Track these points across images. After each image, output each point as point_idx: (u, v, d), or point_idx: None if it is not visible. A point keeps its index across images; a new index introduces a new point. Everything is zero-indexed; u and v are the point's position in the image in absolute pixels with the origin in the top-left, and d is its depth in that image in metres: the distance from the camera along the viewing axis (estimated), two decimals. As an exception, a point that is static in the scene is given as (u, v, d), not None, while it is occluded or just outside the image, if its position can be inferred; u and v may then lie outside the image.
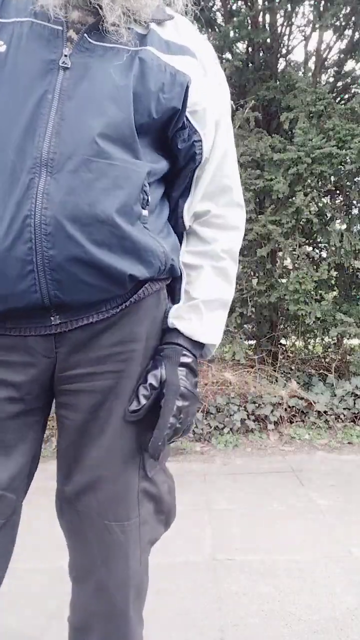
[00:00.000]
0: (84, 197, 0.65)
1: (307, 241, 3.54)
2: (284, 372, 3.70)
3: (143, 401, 0.73)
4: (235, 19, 3.45)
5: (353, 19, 3.71)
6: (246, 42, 3.81)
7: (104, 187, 0.66)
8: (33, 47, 0.68)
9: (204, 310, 0.80)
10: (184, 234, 0.85)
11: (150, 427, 0.74)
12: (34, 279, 0.65)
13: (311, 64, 3.97)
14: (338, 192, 3.81)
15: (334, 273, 3.76)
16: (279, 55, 4.04)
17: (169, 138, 0.76)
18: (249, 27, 3.62)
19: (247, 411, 3.18)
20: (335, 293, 3.84)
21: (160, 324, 0.79)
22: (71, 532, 0.80)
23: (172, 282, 0.83)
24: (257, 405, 3.21)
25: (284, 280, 3.56)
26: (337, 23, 3.75)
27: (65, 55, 0.67)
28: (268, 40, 3.75)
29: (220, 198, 0.83)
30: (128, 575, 0.77)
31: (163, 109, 0.72)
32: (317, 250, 3.95)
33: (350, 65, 4.10)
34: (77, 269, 0.66)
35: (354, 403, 3.28)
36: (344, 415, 3.26)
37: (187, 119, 0.75)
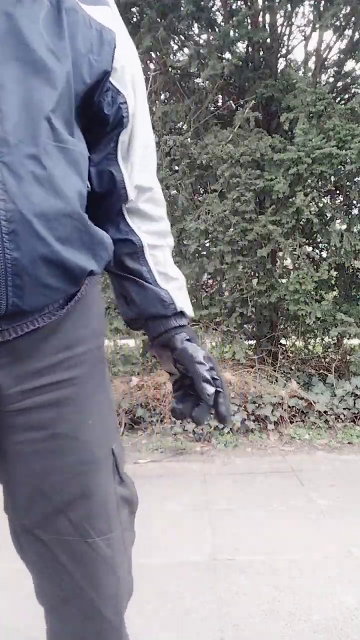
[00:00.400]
0: (48, 188, 0.56)
1: (307, 241, 3.54)
2: (284, 372, 3.70)
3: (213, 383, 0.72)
4: (234, 18, 3.45)
5: (353, 19, 3.71)
6: (246, 41, 3.81)
7: (63, 176, 0.58)
8: None
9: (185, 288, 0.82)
10: (123, 208, 0.77)
11: (112, 427, 0.74)
12: None
13: (311, 64, 3.97)
14: (338, 192, 3.80)
15: (334, 273, 3.76)
16: (278, 55, 4.04)
17: (95, 105, 0.67)
18: (249, 27, 3.62)
19: (247, 411, 3.18)
20: (335, 293, 3.84)
21: (102, 317, 0.76)
22: (38, 564, 0.71)
23: (133, 264, 0.78)
24: (257, 405, 3.21)
25: (284, 281, 3.56)
26: (337, 23, 3.75)
27: None
28: (268, 40, 3.75)
29: (151, 168, 0.78)
30: (118, 586, 0.73)
31: (95, 73, 0.62)
32: (317, 251, 3.95)
33: (350, 65, 4.10)
34: (41, 271, 0.58)
35: (354, 403, 3.28)
36: (344, 415, 3.26)
37: (109, 81, 0.67)
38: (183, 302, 0.79)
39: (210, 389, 0.71)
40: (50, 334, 0.64)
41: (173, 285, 0.79)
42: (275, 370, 3.60)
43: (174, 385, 0.79)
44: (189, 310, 0.80)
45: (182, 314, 0.79)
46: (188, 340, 0.77)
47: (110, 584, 0.72)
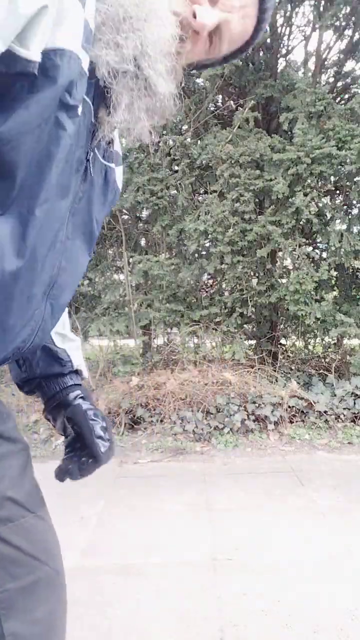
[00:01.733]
0: (59, 319, 0.71)
1: (307, 241, 3.55)
2: (284, 372, 3.70)
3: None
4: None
5: (353, 19, 3.72)
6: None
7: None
8: (83, 134, 0.57)
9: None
10: None
11: None
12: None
13: (311, 64, 3.98)
14: (338, 192, 3.81)
15: (334, 273, 3.77)
16: (279, 56, 4.04)
17: None
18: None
19: (247, 411, 3.18)
20: (335, 293, 3.84)
21: None
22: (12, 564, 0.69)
23: None
24: (257, 405, 3.21)
25: (284, 281, 3.56)
26: (337, 23, 3.75)
27: (88, 160, 0.60)
28: (268, 40, 3.75)
29: None
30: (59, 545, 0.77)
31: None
32: (317, 251, 3.95)
33: (350, 65, 4.11)
34: None
35: (354, 403, 3.28)
36: (344, 415, 3.26)
37: None
38: (79, 361, 0.84)
39: (104, 446, 0.76)
40: None
41: (70, 345, 0.84)
42: (275, 370, 3.60)
43: (67, 448, 0.82)
44: (85, 371, 0.85)
45: (77, 372, 0.84)
46: (82, 398, 0.81)
47: (57, 545, 0.75)
